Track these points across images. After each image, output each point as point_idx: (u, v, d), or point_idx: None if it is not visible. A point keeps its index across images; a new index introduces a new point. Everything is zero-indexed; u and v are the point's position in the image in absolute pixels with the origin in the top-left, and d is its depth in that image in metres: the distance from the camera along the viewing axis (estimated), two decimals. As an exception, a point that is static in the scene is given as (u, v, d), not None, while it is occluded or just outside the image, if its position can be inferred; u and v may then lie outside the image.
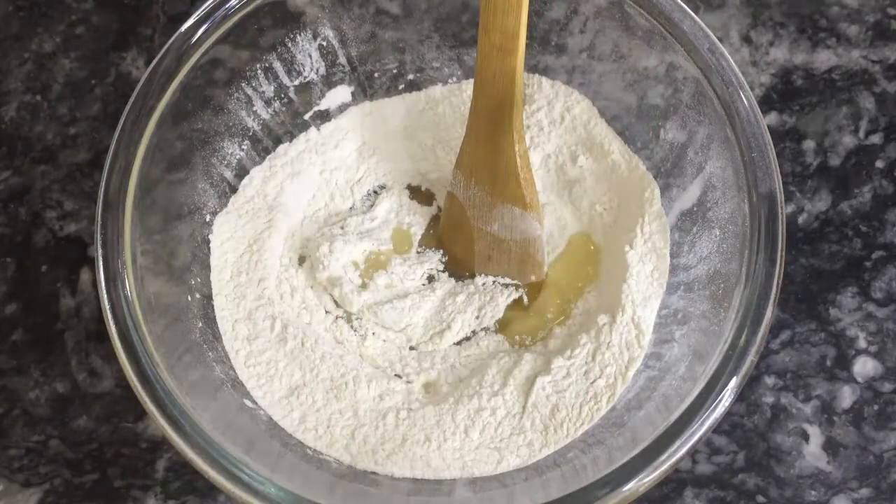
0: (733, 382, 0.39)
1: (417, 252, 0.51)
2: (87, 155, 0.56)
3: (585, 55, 0.50)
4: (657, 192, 0.48)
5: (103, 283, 0.41)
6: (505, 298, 0.50)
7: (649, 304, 0.47)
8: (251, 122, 0.50)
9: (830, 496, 0.49)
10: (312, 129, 0.52)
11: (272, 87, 0.50)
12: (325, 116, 0.53)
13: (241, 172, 0.51)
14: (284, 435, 0.45)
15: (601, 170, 0.51)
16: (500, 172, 0.46)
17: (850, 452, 0.50)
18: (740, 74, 0.43)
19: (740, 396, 0.42)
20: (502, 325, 0.50)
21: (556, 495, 0.39)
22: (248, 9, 0.46)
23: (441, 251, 0.51)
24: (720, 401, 0.39)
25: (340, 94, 0.52)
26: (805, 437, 0.50)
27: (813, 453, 0.50)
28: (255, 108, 0.50)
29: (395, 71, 0.53)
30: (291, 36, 0.49)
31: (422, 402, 0.47)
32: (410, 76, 0.53)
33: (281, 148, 0.52)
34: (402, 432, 0.45)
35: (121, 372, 0.41)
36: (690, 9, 0.44)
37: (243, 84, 0.49)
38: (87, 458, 0.50)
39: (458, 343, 0.49)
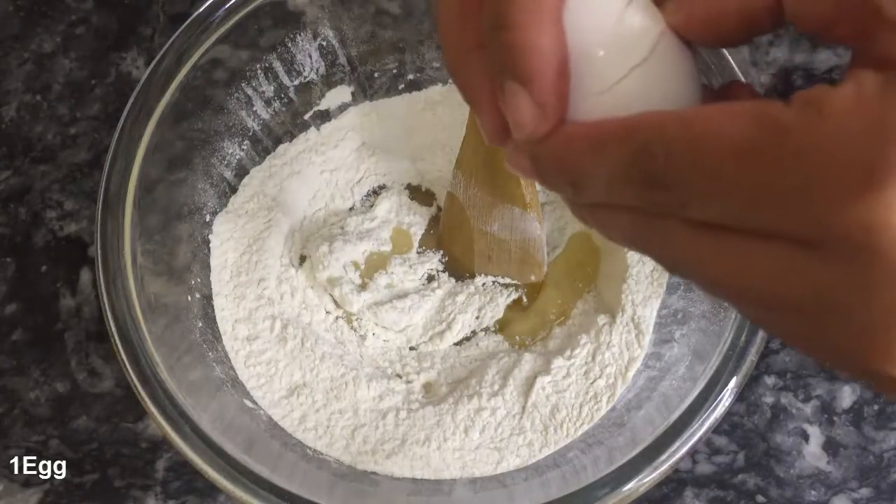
0: (733, 382, 0.39)
1: (417, 252, 0.51)
2: (87, 155, 0.56)
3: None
4: (657, 192, 0.48)
5: (103, 283, 0.41)
6: (505, 298, 0.50)
7: (649, 304, 0.47)
8: (251, 122, 0.50)
9: (830, 496, 0.49)
10: (312, 129, 0.52)
11: (272, 87, 0.50)
12: (325, 116, 0.53)
13: (241, 172, 0.51)
14: (284, 435, 0.45)
15: (601, 170, 0.51)
16: (500, 172, 0.46)
17: (850, 452, 0.50)
18: (740, 74, 0.43)
19: (740, 396, 0.42)
20: (502, 326, 0.50)
21: (556, 495, 0.39)
22: (248, 9, 0.46)
23: (441, 251, 0.51)
24: (720, 401, 0.39)
25: (340, 94, 0.52)
26: (805, 437, 0.50)
27: (813, 453, 0.50)
28: (255, 108, 0.50)
29: (395, 71, 0.53)
30: (291, 36, 0.49)
31: (422, 403, 0.47)
32: (410, 76, 0.53)
33: (281, 148, 0.52)
34: (402, 432, 0.45)
35: (121, 372, 0.41)
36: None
37: (243, 84, 0.49)
38: (87, 458, 0.50)
39: (458, 343, 0.49)
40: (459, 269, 0.51)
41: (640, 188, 0.21)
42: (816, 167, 0.18)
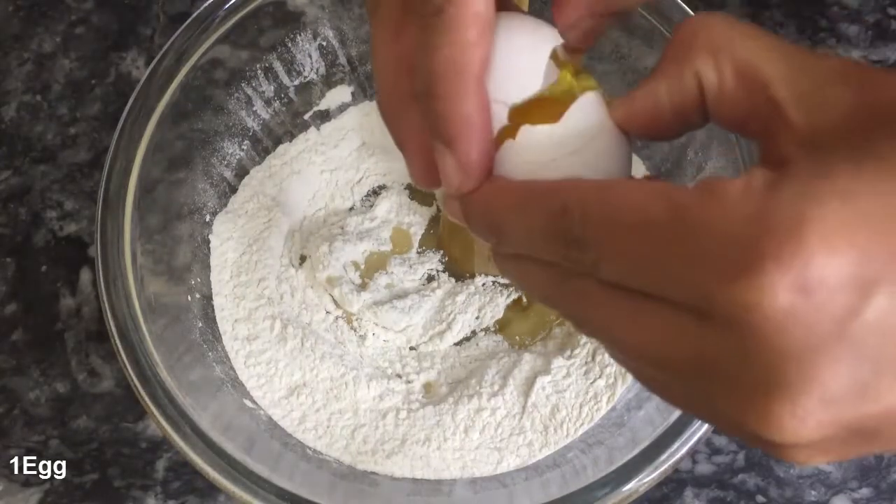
0: (733, 382, 0.39)
1: (417, 252, 0.51)
2: (87, 155, 0.56)
3: (585, 55, 0.50)
4: (657, 192, 0.48)
5: (103, 283, 0.41)
6: (505, 298, 0.49)
7: (649, 304, 0.47)
8: (251, 122, 0.50)
9: (830, 496, 0.49)
10: (312, 129, 0.52)
11: (272, 87, 0.50)
12: (325, 116, 0.53)
13: (241, 172, 0.51)
14: (284, 435, 0.45)
15: (601, 170, 0.51)
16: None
17: (850, 452, 0.50)
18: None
19: (740, 396, 0.42)
20: (502, 325, 0.50)
21: (556, 495, 0.39)
22: (248, 9, 0.46)
23: (441, 251, 0.51)
24: (720, 401, 0.39)
25: (340, 94, 0.52)
26: (805, 437, 0.50)
27: (813, 453, 0.50)
28: (255, 108, 0.50)
29: (395, 71, 0.53)
30: (291, 36, 0.49)
31: (422, 402, 0.47)
32: (410, 76, 0.53)
33: (281, 148, 0.52)
34: (402, 432, 0.45)
35: (121, 372, 0.41)
36: (690, 9, 0.44)
37: (243, 84, 0.49)
38: (87, 458, 0.50)
39: (458, 343, 0.49)
40: (459, 269, 0.51)
41: (556, 245, 0.23)
42: (704, 245, 0.20)
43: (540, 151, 0.26)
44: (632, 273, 0.21)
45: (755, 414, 0.20)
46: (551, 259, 0.24)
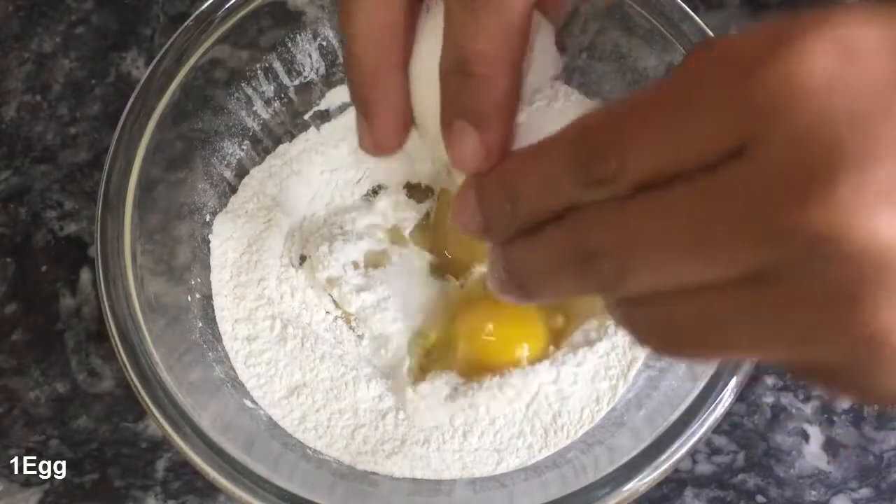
0: (733, 382, 0.39)
1: (417, 252, 0.51)
2: (87, 155, 0.56)
3: (585, 55, 0.50)
4: (657, 192, 0.48)
5: (103, 283, 0.41)
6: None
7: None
8: (251, 122, 0.50)
9: (830, 496, 0.49)
10: (312, 129, 0.52)
11: (272, 87, 0.50)
12: (325, 116, 0.53)
13: (241, 172, 0.51)
14: (284, 435, 0.45)
15: (601, 170, 0.50)
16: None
17: (850, 452, 0.50)
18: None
19: (740, 396, 0.42)
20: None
21: (556, 495, 0.39)
22: (248, 9, 0.46)
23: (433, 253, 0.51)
24: (720, 401, 0.39)
25: (340, 94, 0.52)
26: (805, 437, 0.50)
27: (813, 453, 0.50)
28: (255, 108, 0.50)
29: (394, 71, 0.53)
30: (291, 36, 0.49)
31: (422, 403, 0.47)
32: (410, 76, 0.53)
33: (281, 148, 0.52)
34: (402, 433, 0.45)
35: (121, 372, 0.41)
36: (690, 9, 0.44)
37: (243, 84, 0.49)
38: (87, 458, 0.50)
39: (458, 343, 0.49)
40: (459, 269, 0.50)
41: (577, 171, 0.22)
42: (734, 56, 0.19)
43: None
44: (662, 146, 0.20)
45: (814, 201, 0.18)
46: (570, 199, 0.22)
